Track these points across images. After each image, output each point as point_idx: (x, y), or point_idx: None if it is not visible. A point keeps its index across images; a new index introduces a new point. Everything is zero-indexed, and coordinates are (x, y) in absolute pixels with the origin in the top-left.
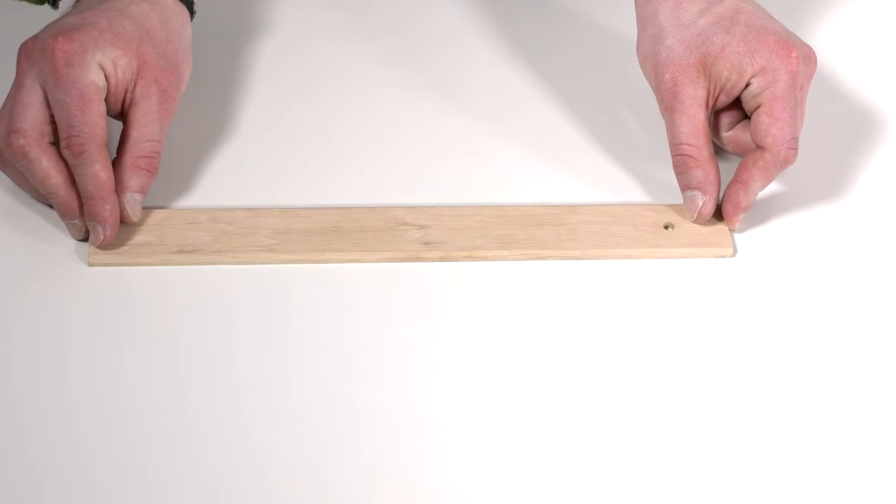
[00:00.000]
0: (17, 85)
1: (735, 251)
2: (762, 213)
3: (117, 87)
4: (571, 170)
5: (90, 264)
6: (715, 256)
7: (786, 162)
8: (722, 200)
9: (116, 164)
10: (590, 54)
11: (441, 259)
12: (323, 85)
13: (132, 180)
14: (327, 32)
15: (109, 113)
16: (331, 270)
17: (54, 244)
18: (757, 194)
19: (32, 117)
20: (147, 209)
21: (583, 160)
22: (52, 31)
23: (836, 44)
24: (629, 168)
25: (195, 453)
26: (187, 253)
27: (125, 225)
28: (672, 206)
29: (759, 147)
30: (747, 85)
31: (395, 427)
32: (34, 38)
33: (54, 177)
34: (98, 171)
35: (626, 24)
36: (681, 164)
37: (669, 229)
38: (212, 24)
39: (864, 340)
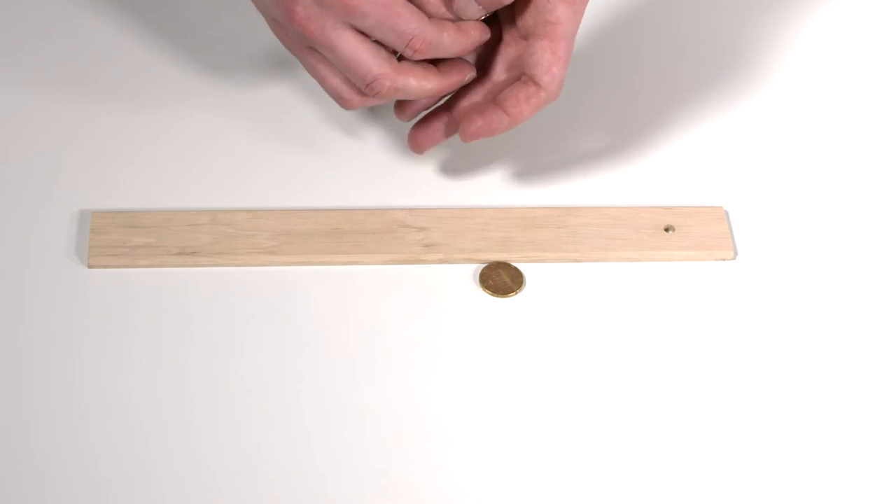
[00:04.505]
0: (326, 42)
1: (735, 254)
2: (762, 215)
3: None
4: (571, 172)
5: (90, 266)
6: (715, 259)
7: (550, 101)
8: (474, 115)
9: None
10: (589, 55)
11: (441, 261)
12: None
13: None
14: None
15: None
16: (331, 272)
17: (54, 245)
18: None
19: (369, 58)
20: (147, 211)
21: (583, 162)
22: None
23: (837, 45)
24: (629, 170)
25: (195, 454)
26: (187, 255)
27: (130, 227)
28: (672, 209)
29: (533, 82)
30: None
31: (396, 428)
32: (291, 5)
33: (430, 81)
34: (449, 34)
35: (624, 24)
36: None
37: (670, 232)
38: (213, 24)
39: (864, 342)
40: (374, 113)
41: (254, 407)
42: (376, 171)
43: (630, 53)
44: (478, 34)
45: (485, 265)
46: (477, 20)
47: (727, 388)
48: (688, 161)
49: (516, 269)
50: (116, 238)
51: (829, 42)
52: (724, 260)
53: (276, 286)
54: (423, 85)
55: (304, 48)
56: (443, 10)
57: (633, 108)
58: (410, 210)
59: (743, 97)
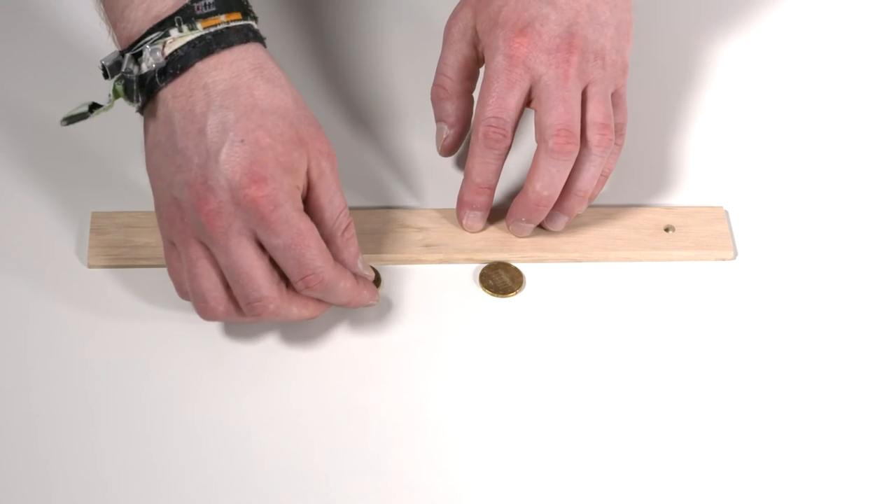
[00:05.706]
0: (224, 244)
1: (735, 254)
2: (762, 215)
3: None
4: None
5: (90, 266)
6: (715, 259)
7: (487, 140)
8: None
9: (329, 248)
10: None
11: (441, 261)
12: (323, 86)
13: (349, 253)
14: (326, 33)
15: None
16: None
17: (54, 245)
18: (484, 186)
19: (262, 277)
20: (147, 212)
21: None
22: (226, 177)
23: (837, 46)
24: (629, 170)
25: (195, 453)
26: None
27: (130, 227)
28: (672, 209)
29: None
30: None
31: (396, 428)
32: (205, 192)
33: (308, 309)
34: (345, 284)
35: None
36: (434, 95)
37: (670, 232)
38: None
39: (863, 342)
40: (373, 114)
41: (254, 406)
42: (377, 171)
43: (630, 53)
44: (369, 295)
45: (485, 265)
46: (374, 288)
47: (727, 388)
48: (688, 161)
49: (516, 269)
50: (116, 238)
51: (828, 42)
52: (724, 260)
53: None
54: (302, 312)
55: (191, 237)
56: (347, 259)
57: (632, 109)
58: (410, 210)
59: (743, 97)
